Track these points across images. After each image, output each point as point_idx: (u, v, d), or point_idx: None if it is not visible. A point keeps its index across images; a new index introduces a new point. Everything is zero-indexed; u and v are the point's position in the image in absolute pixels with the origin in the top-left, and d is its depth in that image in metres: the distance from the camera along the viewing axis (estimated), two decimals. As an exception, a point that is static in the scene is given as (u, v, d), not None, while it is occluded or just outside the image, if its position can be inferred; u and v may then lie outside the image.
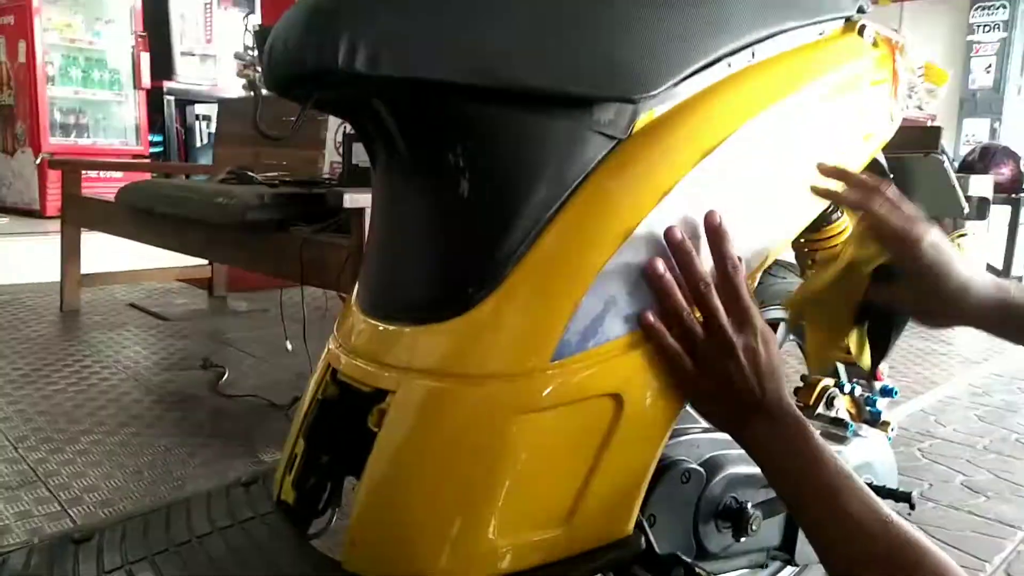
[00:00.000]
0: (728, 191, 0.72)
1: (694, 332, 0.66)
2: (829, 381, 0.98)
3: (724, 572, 0.86)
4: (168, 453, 1.66)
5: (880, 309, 0.84)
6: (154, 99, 5.79)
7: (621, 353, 0.65)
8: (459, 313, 0.66)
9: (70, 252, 2.98)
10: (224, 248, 2.24)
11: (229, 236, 2.06)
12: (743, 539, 0.77)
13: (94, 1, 5.39)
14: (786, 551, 0.84)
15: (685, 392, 0.68)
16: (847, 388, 1.00)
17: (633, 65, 0.66)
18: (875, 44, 0.88)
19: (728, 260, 0.67)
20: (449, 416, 0.65)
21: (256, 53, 3.64)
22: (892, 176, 1.01)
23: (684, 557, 0.71)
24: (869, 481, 0.87)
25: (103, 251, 3.16)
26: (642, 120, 0.70)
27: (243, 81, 5.13)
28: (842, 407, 0.98)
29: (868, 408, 1.00)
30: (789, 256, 1.09)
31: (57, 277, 3.02)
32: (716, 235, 0.67)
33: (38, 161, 4.98)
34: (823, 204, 0.83)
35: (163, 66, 5.87)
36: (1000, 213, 3.89)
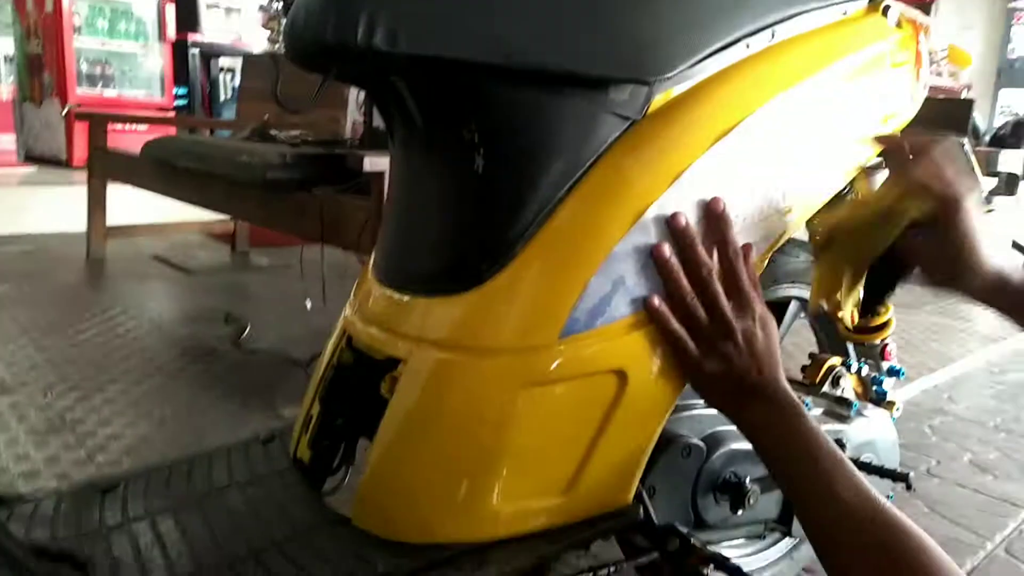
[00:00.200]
0: (742, 173, 0.72)
1: (697, 316, 0.68)
2: (836, 360, 0.99)
3: (722, 542, 0.89)
4: (191, 404, 1.72)
5: (891, 257, 0.82)
6: (179, 52, 5.80)
7: (627, 332, 0.67)
8: (471, 287, 0.68)
9: (96, 204, 3.03)
10: (246, 205, 2.27)
11: (251, 194, 2.09)
12: (740, 512, 0.79)
13: (120, -49, 5.39)
14: (783, 524, 0.86)
15: (687, 373, 0.70)
16: (854, 367, 1.01)
17: (647, 47, 0.66)
18: (899, 25, 0.87)
19: (730, 246, 0.69)
20: (458, 387, 0.67)
21: (280, 5, 3.63)
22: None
23: (681, 528, 0.74)
24: (870, 459, 0.89)
25: (129, 203, 3.21)
26: (659, 100, 0.70)
27: (268, 33, 5.12)
28: (848, 386, 0.99)
29: (874, 388, 1.02)
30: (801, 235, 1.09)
31: (83, 227, 3.07)
32: (719, 222, 0.69)
33: (65, 112, 5.02)
34: (840, 184, 0.83)
35: (188, 19, 5.86)
36: (1031, 189, 3.81)
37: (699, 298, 0.68)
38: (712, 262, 0.68)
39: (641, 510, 0.71)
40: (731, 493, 0.79)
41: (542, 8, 0.64)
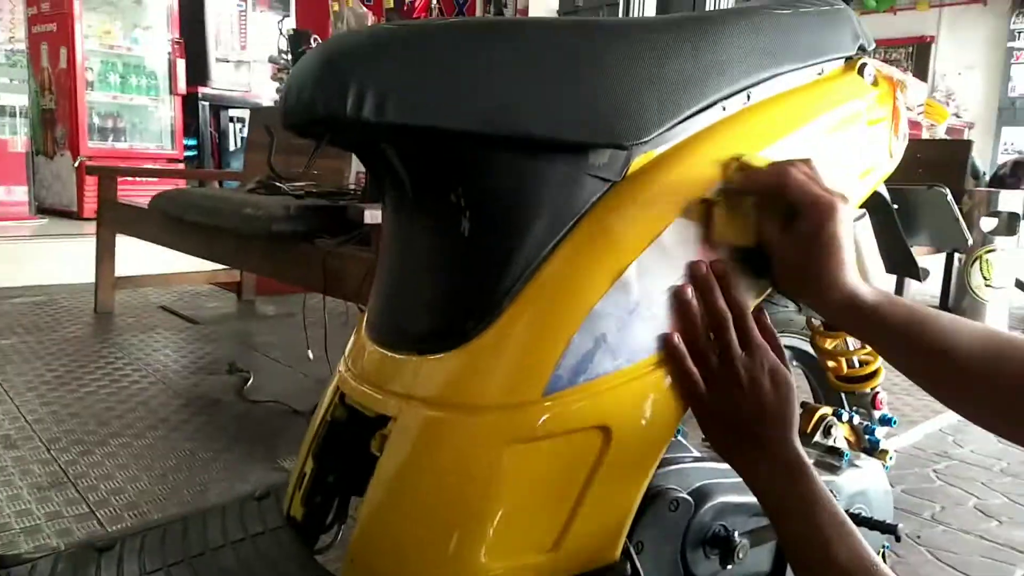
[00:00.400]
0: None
1: (709, 359, 0.70)
2: (827, 409, 0.99)
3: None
4: (193, 457, 1.72)
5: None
6: (189, 104, 5.92)
7: (610, 389, 0.68)
8: (458, 345, 0.69)
9: (105, 255, 3.08)
10: (251, 257, 2.31)
11: (256, 246, 2.13)
12: (730, 567, 0.79)
13: (132, 7, 5.54)
14: (777, 577, 0.86)
15: (696, 414, 0.72)
16: (846, 416, 1.02)
17: (624, 114, 0.69)
18: (875, 83, 0.90)
19: (735, 306, 0.71)
20: (446, 444, 0.69)
21: (290, 57, 3.72)
22: (896, 208, 1.02)
23: (670, 583, 0.74)
24: (860, 510, 0.89)
25: (137, 253, 3.26)
26: (640, 161, 0.73)
27: (277, 84, 5.24)
28: (840, 436, 0.99)
29: (867, 437, 1.02)
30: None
31: (92, 278, 3.12)
32: (724, 281, 0.71)
33: (76, 164, 5.13)
34: None
35: (198, 72, 6.01)
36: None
37: (713, 343, 0.70)
38: (727, 312, 0.71)
39: (628, 566, 0.71)
40: (720, 547, 0.79)
41: (524, 78, 0.66)
